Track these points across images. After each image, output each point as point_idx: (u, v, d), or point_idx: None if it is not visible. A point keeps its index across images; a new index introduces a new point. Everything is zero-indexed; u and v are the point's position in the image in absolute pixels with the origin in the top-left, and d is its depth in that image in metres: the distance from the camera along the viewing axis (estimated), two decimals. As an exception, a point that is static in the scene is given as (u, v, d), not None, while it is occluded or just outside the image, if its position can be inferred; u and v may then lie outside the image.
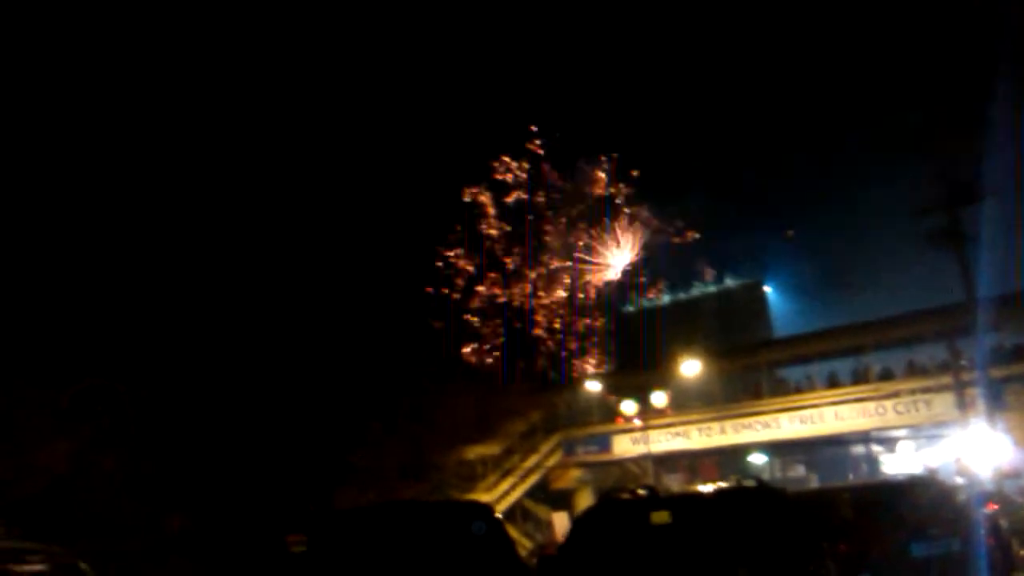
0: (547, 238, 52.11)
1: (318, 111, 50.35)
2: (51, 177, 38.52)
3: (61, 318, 33.41)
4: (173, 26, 47.97)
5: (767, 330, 46.84)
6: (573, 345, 51.62)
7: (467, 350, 49.94)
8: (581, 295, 51.70)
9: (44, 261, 35.33)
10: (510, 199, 52.13)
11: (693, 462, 40.12)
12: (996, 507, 17.93)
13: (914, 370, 31.92)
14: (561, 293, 51.94)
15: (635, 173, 51.10)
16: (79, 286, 35.73)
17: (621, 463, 38.59)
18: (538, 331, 51.02)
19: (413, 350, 40.03)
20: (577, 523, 12.61)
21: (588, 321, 51.58)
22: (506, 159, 51.78)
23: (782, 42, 49.55)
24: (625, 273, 51.98)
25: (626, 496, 11.93)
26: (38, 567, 8.22)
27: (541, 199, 52.59)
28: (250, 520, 27.55)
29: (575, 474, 39.16)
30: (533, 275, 51.91)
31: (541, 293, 51.82)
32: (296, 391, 36.01)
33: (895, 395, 31.39)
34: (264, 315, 38.86)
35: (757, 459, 38.23)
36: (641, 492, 11.73)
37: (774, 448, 37.31)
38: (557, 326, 51.67)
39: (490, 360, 49.73)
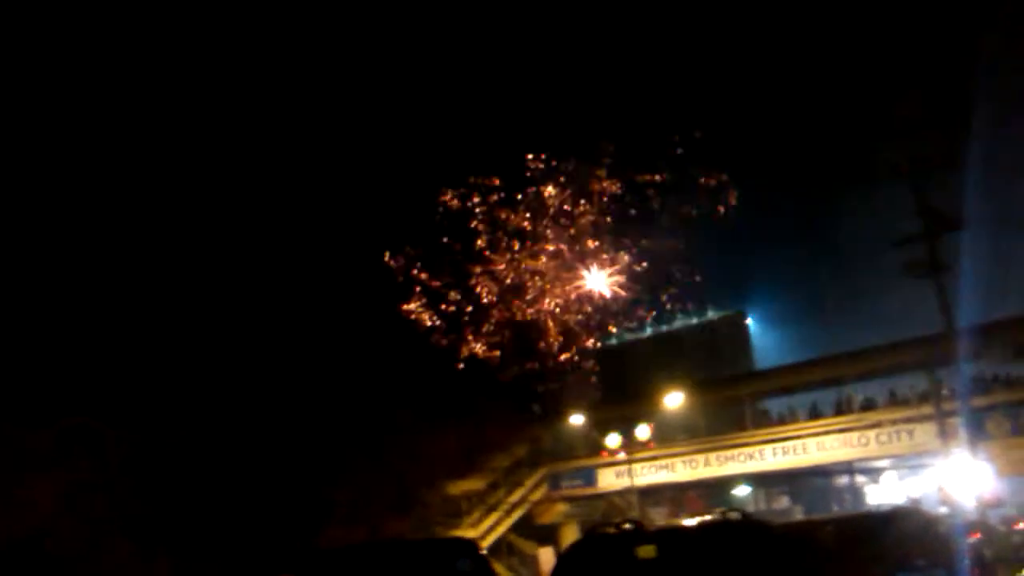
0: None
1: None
2: (32, 207, 38.38)
3: (43, 357, 33.21)
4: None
5: (749, 362, 47.05)
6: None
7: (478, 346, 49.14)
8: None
9: (26, 300, 35.20)
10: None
11: (678, 495, 40.12)
12: (980, 536, 18.07)
13: (895, 400, 32.11)
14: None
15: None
16: (61, 325, 35.60)
17: (606, 497, 38.49)
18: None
19: (397, 385, 39.86)
20: (562, 559, 12.62)
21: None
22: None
23: (760, 70, 49.95)
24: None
25: (611, 530, 11.96)
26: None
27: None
28: (238, 560, 27.42)
29: (560, 508, 39.04)
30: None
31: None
32: (279, 427, 35.83)
33: (877, 425, 31.51)
34: (247, 351, 38.62)
35: (742, 491, 38.25)
36: (626, 526, 11.76)
37: (758, 480, 37.36)
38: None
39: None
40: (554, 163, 52.11)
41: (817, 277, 51.83)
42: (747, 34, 51.42)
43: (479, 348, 50.11)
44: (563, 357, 50.21)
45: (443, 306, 51.00)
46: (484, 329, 50.99)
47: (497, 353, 49.45)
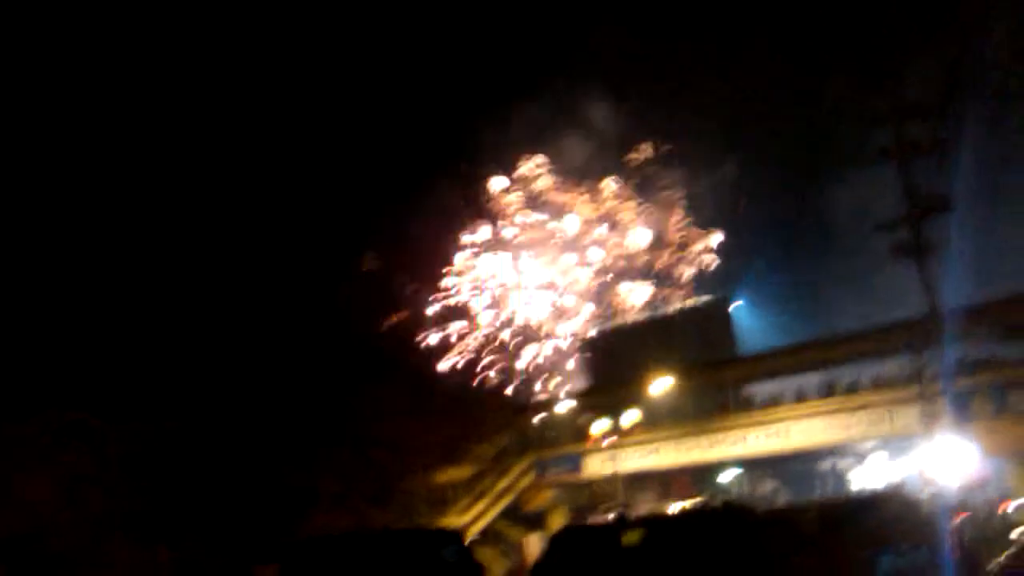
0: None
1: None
2: (31, 205, 38.38)
3: (41, 353, 33.27)
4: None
5: (735, 346, 46.96)
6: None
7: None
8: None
9: (25, 298, 35.27)
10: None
11: (665, 480, 40.11)
12: (963, 517, 18.11)
13: (880, 383, 32.07)
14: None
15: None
16: (59, 321, 35.70)
17: (593, 483, 38.49)
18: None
19: (379, 375, 39.89)
20: (546, 548, 12.61)
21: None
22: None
23: (749, 52, 49.75)
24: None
25: (595, 520, 11.97)
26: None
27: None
28: (237, 552, 27.44)
29: (548, 495, 39.02)
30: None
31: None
32: (264, 418, 35.82)
33: (862, 408, 31.55)
34: (235, 345, 38.72)
35: (728, 475, 38.26)
36: (610, 516, 11.78)
37: (744, 464, 37.36)
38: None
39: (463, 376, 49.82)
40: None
41: (804, 260, 51.65)
42: (739, 18, 51.37)
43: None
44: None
45: (441, 330, 51.65)
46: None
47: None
